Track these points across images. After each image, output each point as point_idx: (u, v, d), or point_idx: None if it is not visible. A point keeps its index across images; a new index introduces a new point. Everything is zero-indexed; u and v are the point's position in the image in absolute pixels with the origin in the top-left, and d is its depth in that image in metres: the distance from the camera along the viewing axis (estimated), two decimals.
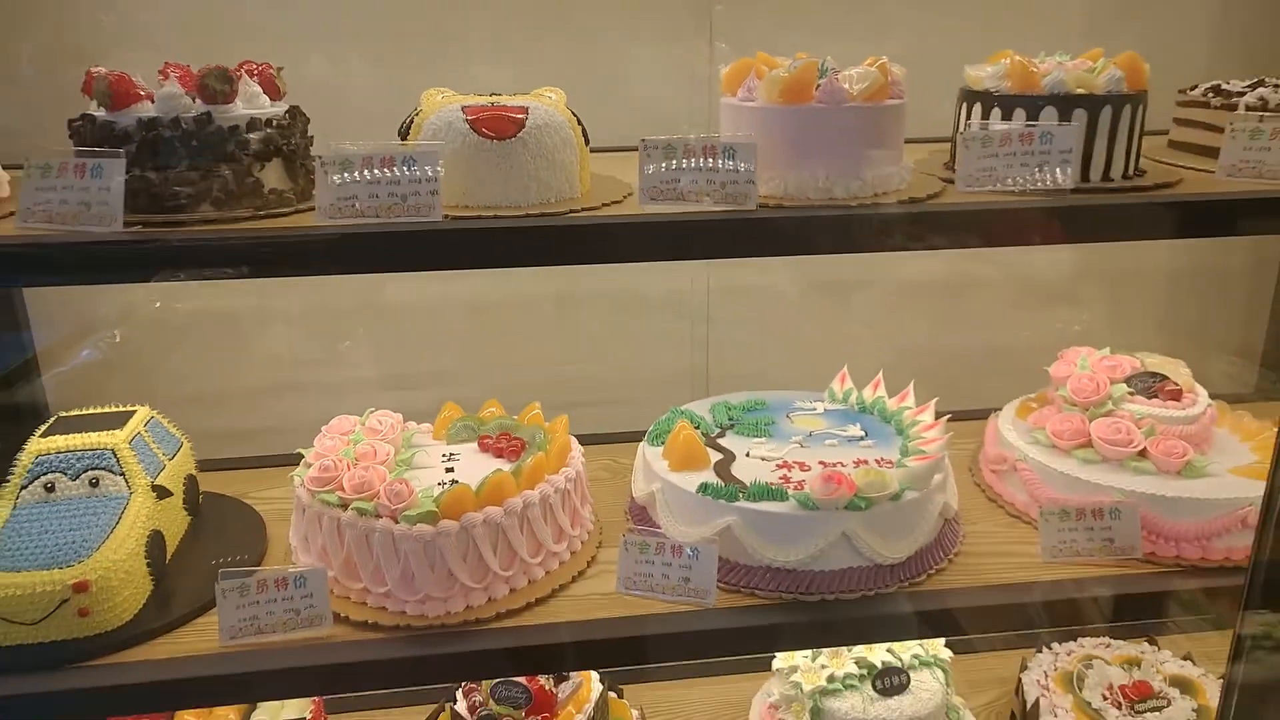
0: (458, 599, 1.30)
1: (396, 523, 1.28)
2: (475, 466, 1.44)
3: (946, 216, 1.17)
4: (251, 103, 1.19)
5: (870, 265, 2.00)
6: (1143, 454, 1.49)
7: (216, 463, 1.69)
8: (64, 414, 1.49)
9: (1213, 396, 1.62)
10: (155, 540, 1.36)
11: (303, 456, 1.43)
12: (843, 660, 1.63)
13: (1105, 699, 1.74)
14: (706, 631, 1.29)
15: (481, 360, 1.89)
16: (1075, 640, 1.93)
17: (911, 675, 1.62)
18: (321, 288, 1.87)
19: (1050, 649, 1.90)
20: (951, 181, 1.27)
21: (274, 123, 1.20)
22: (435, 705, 1.68)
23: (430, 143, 1.15)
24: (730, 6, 1.71)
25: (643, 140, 1.14)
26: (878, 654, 1.64)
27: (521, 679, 1.56)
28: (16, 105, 1.30)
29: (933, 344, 1.98)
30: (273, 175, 1.20)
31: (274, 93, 1.24)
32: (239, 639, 1.24)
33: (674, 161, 1.15)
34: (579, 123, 1.28)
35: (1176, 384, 1.59)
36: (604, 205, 1.20)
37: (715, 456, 1.48)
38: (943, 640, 1.71)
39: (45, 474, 1.37)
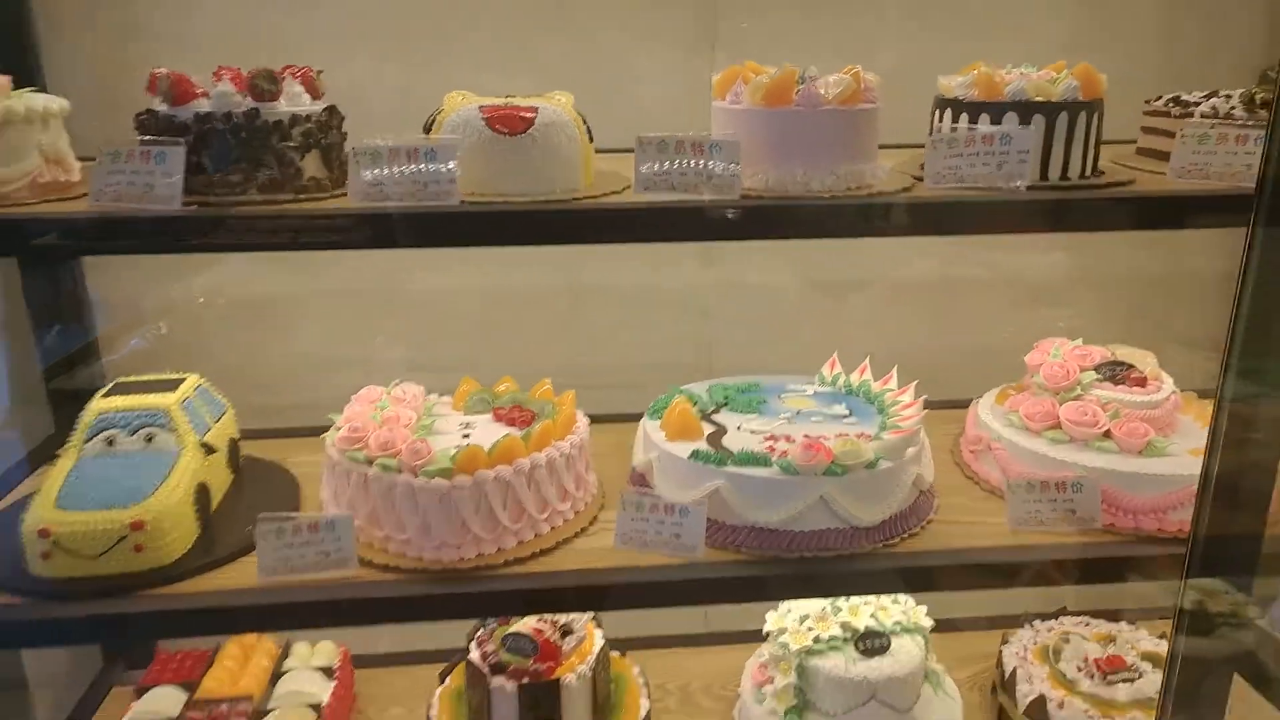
0: (470, 547, 1.44)
1: (416, 477, 1.43)
2: (489, 433, 1.58)
3: (910, 208, 1.30)
4: (294, 101, 1.35)
5: (866, 265, 2.13)
6: (1107, 435, 1.60)
7: (256, 432, 1.84)
8: (122, 379, 1.66)
9: (1189, 390, 1.73)
10: (201, 491, 1.53)
11: (334, 422, 1.59)
12: (829, 624, 1.75)
13: (1080, 670, 1.84)
14: (693, 581, 1.42)
15: (498, 346, 2.03)
16: (1056, 619, 2.04)
17: (892, 640, 1.74)
18: (353, 278, 2.03)
19: (1032, 626, 2.01)
20: (921, 179, 1.40)
21: (313, 119, 1.36)
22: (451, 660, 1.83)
23: (450, 137, 1.30)
24: (733, 23, 1.85)
25: (638, 137, 1.28)
26: (862, 619, 1.76)
27: (529, 631, 1.70)
28: (86, 106, 1.47)
29: (924, 339, 2.10)
30: (311, 165, 1.35)
31: (314, 93, 1.40)
32: (275, 576, 1.39)
33: (666, 156, 1.29)
34: (584, 122, 1.43)
35: (1142, 372, 1.70)
36: (604, 195, 1.35)
37: (708, 429, 1.62)
38: (925, 609, 1.83)
39: (106, 429, 1.53)
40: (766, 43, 1.84)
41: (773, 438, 1.57)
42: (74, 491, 1.43)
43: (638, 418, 1.74)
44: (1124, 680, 1.80)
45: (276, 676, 1.86)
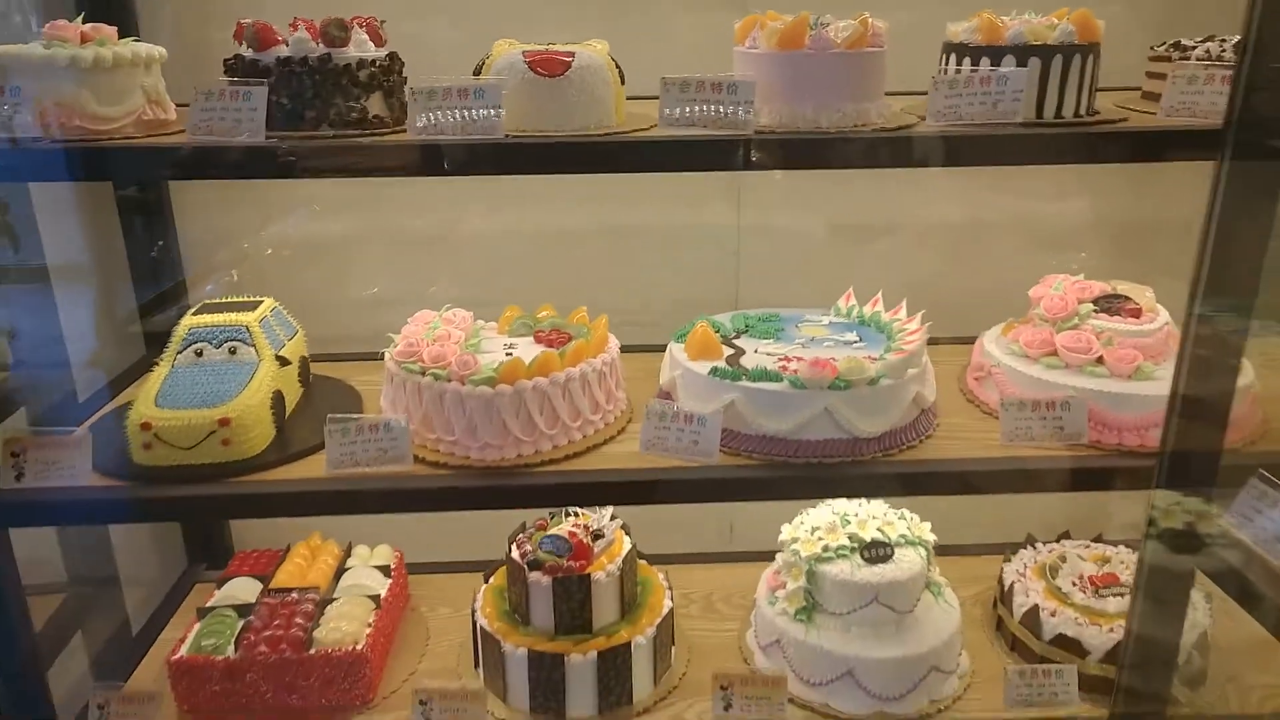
0: (510, 448, 1.63)
1: (464, 385, 1.61)
2: (530, 351, 1.75)
3: (909, 141, 1.44)
4: (361, 48, 1.53)
5: (888, 209, 2.25)
6: (1100, 361, 1.73)
7: (323, 356, 2.05)
8: (208, 301, 1.87)
9: None
10: (277, 397, 1.73)
11: (393, 341, 1.78)
12: (838, 535, 1.91)
13: (1074, 585, 1.98)
14: (707, 480, 1.59)
15: (540, 282, 2.18)
16: (1057, 542, 2.17)
17: (896, 550, 1.89)
18: (409, 220, 2.22)
19: (1033, 547, 2.15)
20: (924, 119, 1.53)
21: (377, 63, 1.53)
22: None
23: (496, 79, 1.46)
24: None
25: (663, 78, 1.43)
26: (869, 532, 1.91)
27: (564, 534, 1.88)
28: (173, 56, 1.66)
29: (941, 279, 2.20)
30: (375, 104, 1.53)
31: (377, 40, 1.57)
32: (340, 469, 1.59)
33: (688, 95, 1.44)
34: (617, 67, 1.58)
35: (1138, 304, 1.81)
36: (632, 130, 1.51)
37: (728, 351, 1.78)
38: (929, 525, 1.97)
39: (196, 343, 1.74)
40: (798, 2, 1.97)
41: (786, 359, 1.73)
42: (170, 393, 1.64)
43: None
44: (1115, 595, 1.93)
45: (339, 573, 2.08)
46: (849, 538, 1.90)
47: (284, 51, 1.47)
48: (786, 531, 1.97)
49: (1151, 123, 1.50)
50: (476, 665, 1.95)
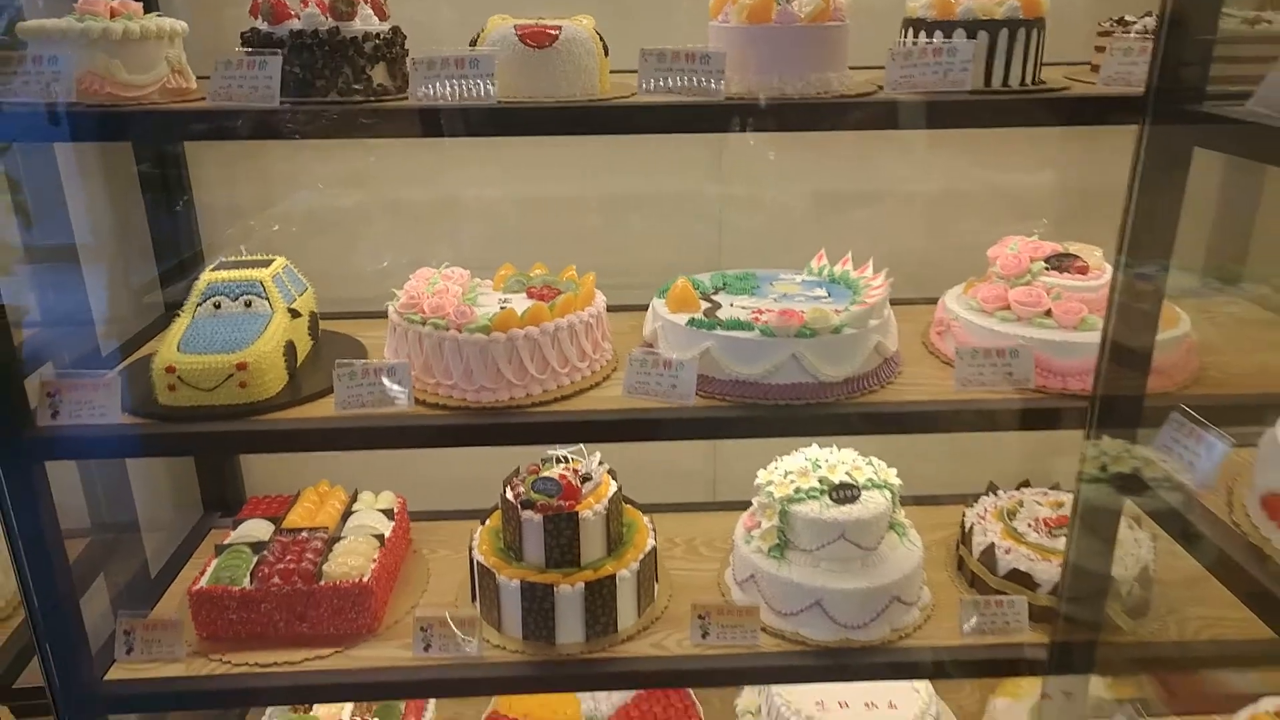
0: (504, 391, 1.78)
1: (461, 333, 1.76)
2: (522, 305, 1.90)
3: (865, 106, 1.58)
4: (366, 21, 1.66)
5: (864, 178, 2.39)
6: (1048, 314, 1.87)
7: (329, 314, 2.19)
8: (225, 259, 2.01)
9: None
10: (289, 347, 1.88)
11: (396, 296, 1.92)
12: (809, 478, 2.06)
13: (1029, 526, 2.13)
14: (684, 420, 1.74)
15: (533, 247, 2.33)
16: (1018, 489, 2.32)
17: (862, 492, 2.03)
18: (412, 189, 2.36)
19: (995, 494, 2.30)
20: (882, 88, 1.67)
21: (381, 36, 1.67)
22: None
23: (489, 49, 1.61)
24: None
25: (641, 49, 1.57)
26: (838, 475, 2.06)
27: (554, 476, 2.03)
28: (196, 32, 1.80)
29: (913, 244, 2.36)
30: (379, 73, 1.67)
31: (381, 15, 1.71)
32: (348, 409, 1.73)
33: (665, 64, 1.58)
34: (601, 40, 1.72)
35: (1085, 262, 1.95)
36: (614, 98, 1.65)
37: (705, 305, 1.92)
38: (895, 471, 2.12)
39: (214, 296, 1.89)
40: None
41: (758, 311, 1.87)
42: (191, 340, 1.79)
43: None
44: (1065, 534, 2.07)
45: (346, 515, 2.24)
46: (819, 480, 2.05)
47: (296, 25, 1.61)
48: (762, 476, 2.11)
49: (1087, 90, 1.64)
50: (473, 599, 2.10)
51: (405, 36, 1.75)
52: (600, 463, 2.10)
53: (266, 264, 1.97)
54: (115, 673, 1.91)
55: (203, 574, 2.03)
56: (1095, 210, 2.34)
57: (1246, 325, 2.02)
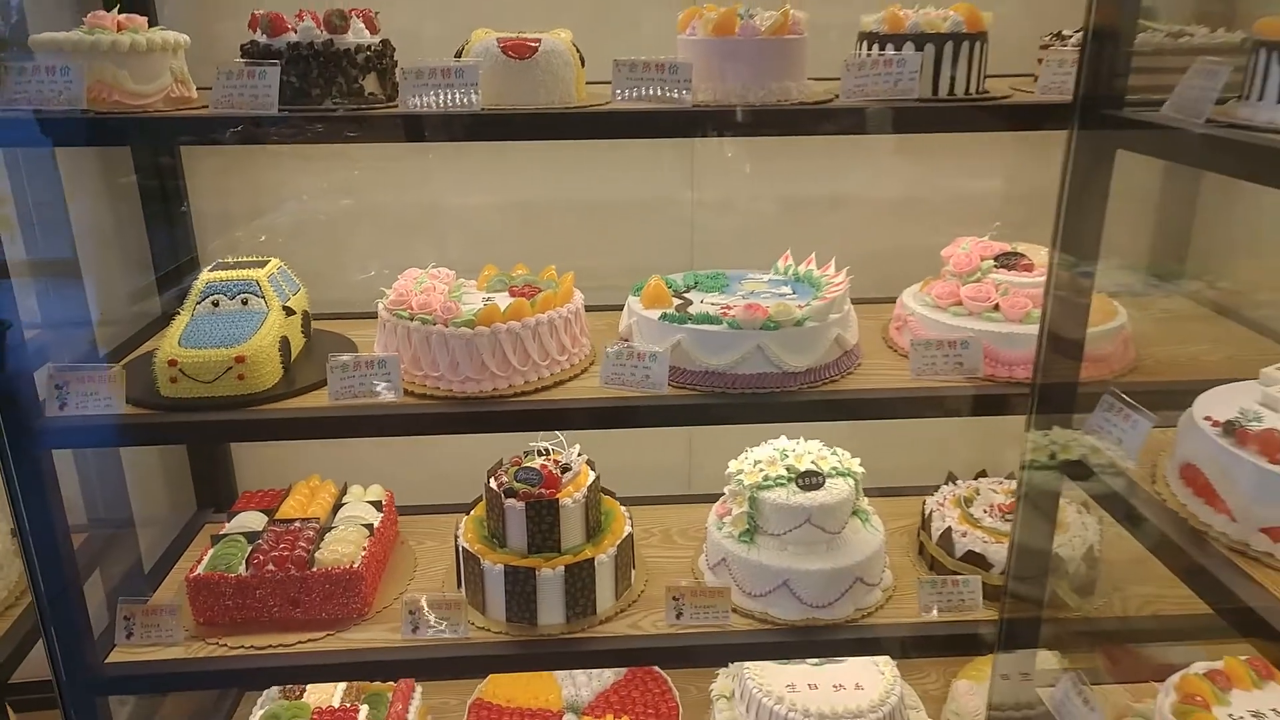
0: (488, 382, 1.89)
1: (447, 328, 1.87)
2: (505, 302, 2.01)
3: (821, 113, 1.71)
4: (358, 35, 1.78)
5: (830, 185, 2.52)
6: (996, 308, 2.00)
7: (320, 315, 2.30)
8: (222, 260, 2.12)
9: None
10: (284, 342, 1.98)
11: (385, 295, 2.03)
12: (777, 466, 2.17)
13: (985, 512, 2.25)
14: (658, 408, 1.86)
15: (516, 251, 2.43)
16: (975, 479, 2.44)
17: (827, 479, 2.15)
18: (398, 197, 2.48)
19: (954, 483, 2.42)
20: (838, 96, 1.80)
21: (372, 48, 1.79)
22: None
23: (474, 60, 1.73)
24: None
25: (615, 60, 1.70)
26: (804, 463, 2.18)
27: (535, 466, 2.14)
28: (200, 47, 1.91)
29: (875, 246, 2.48)
30: (370, 83, 1.79)
31: (372, 29, 1.83)
32: (341, 400, 1.84)
33: (636, 74, 1.71)
34: (578, 52, 1.84)
35: (1031, 261, 2.09)
36: (589, 105, 1.77)
37: (677, 302, 2.04)
38: (858, 460, 2.24)
39: (212, 294, 1.99)
40: None
41: (727, 307, 2.00)
42: (191, 336, 1.90)
43: None
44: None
45: (337, 507, 2.34)
46: (786, 469, 2.16)
47: (293, 38, 1.73)
48: (733, 465, 2.23)
49: (1023, 99, 1.78)
50: (459, 585, 2.20)
51: (394, 49, 1.87)
52: (579, 454, 2.21)
53: (262, 265, 2.08)
54: (116, 656, 2.00)
55: (200, 562, 2.13)
56: (1042, 212, 2.48)
57: (1181, 319, 2.16)
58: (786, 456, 2.20)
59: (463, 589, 2.17)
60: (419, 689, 2.58)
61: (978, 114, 1.75)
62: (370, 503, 2.34)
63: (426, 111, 1.67)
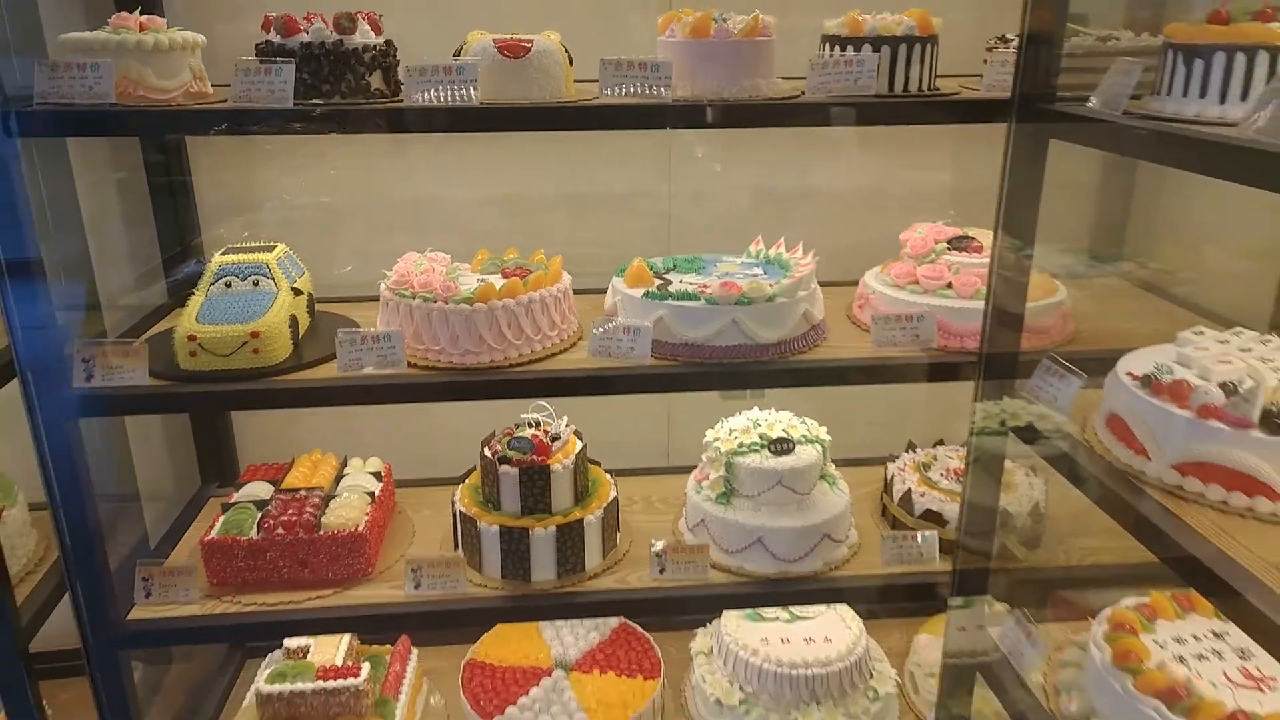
0: (485, 354, 2.05)
1: (448, 304, 2.03)
2: (499, 283, 2.18)
3: (787, 107, 1.89)
4: (365, 35, 1.94)
5: (799, 177, 2.71)
6: (949, 286, 2.20)
7: (323, 299, 2.45)
8: (232, 245, 2.26)
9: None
10: (293, 320, 2.13)
11: (387, 277, 2.19)
12: (750, 434, 2.36)
13: (942, 475, 2.45)
14: (641, 376, 2.03)
15: (506, 238, 2.60)
16: (934, 447, 2.64)
17: (797, 445, 2.34)
18: (396, 188, 2.63)
19: (913, 451, 2.62)
20: (804, 92, 1.98)
21: (377, 48, 1.95)
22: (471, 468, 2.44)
23: (472, 59, 1.89)
24: None
25: (601, 59, 1.87)
26: (775, 431, 2.36)
27: (527, 436, 2.30)
28: (217, 47, 2.05)
29: (841, 233, 2.68)
30: (376, 79, 1.95)
31: (377, 30, 1.98)
32: (349, 371, 2.00)
33: (621, 71, 1.88)
34: (567, 52, 2.01)
35: (981, 243, 2.29)
36: (578, 100, 1.94)
37: (658, 282, 2.22)
38: (825, 429, 2.43)
39: (225, 276, 2.14)
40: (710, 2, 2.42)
41: (704, 285, 2.17)
42: (208, 313, 2.04)
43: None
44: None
45: (339, 478, 2.49)
46: (759, 436, 2.35)
47: (305, 38, 1.88)
48: (710, 434, 2.41)
49: (969, 95, 1.98)
50: (456, 546, 2.36)
51: (397, 48, 2.02)
52: (567, 425, 2.38)
53: (270, 249, 2.22)
54: (136, 614, 2.14)
55: (212, 527, 2.27)
56: (991, 201, 2.69)
57: (1115, 296, 2.37)
58: (759, 425, 2.39)
59: (460, 550, 2.33)
60: (415, 652, 2.73)
61: (928, 108, 1.94)
62: (370, 473, 2.49)
63: (431, 106, 1.83)
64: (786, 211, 2.73)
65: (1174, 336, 1.80)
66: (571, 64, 2.03)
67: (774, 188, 2.72)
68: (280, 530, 2.21)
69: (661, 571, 2.25)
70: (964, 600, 2.24)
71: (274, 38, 1.90)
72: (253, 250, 2.21)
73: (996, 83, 1.98)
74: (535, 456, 2.26)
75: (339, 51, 1.88)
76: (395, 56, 2.01)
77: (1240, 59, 1.46)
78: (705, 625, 2.81)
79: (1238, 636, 1.85)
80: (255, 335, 1.99)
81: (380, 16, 2.02)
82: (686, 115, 1.89)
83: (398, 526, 2.50)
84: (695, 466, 2.51)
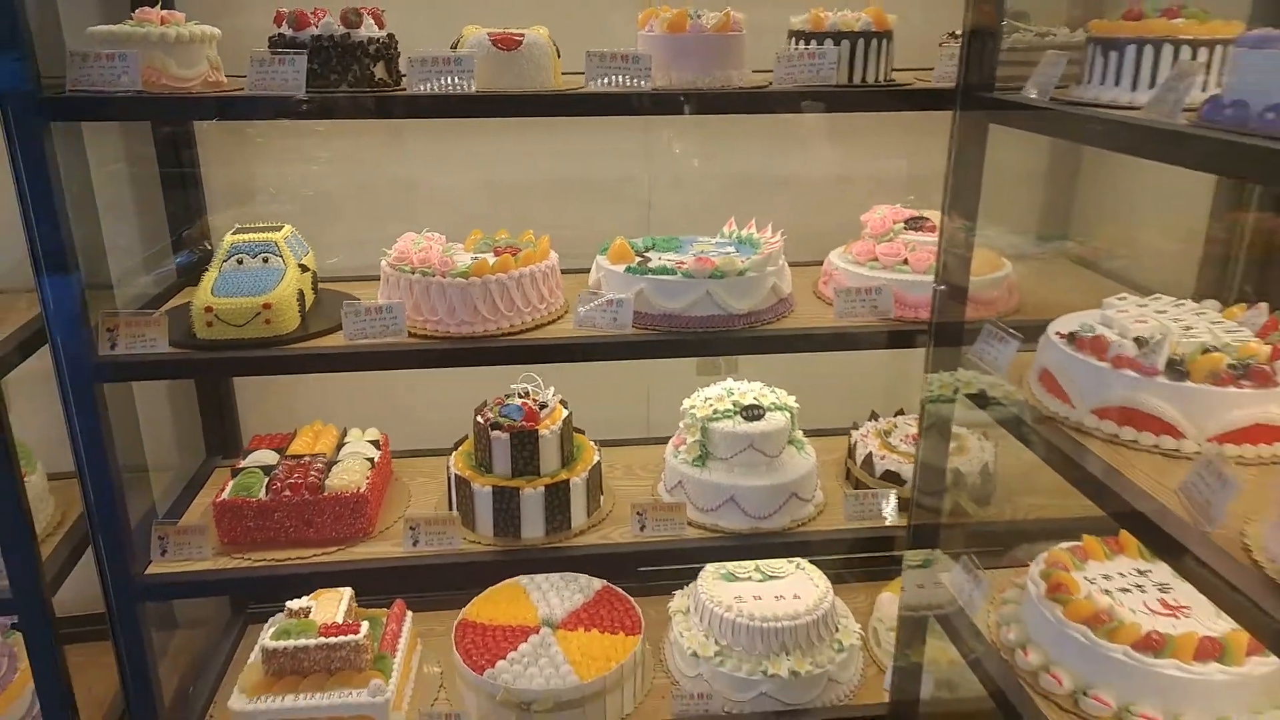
0: (479, 325, 2.22)
1: (445, 278, 2.20)
2: (492, 260, 2.35)
3: (756, 95, 2.08)
4: (369, 29, 2.11)
5: (771, 165, 2.91)
6: (905, 262, 2.39)
7: (324, 278, 2.61)
8: (241, 225, 2.42)
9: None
10: (301, 294, 2.30)
11: (387, 255, 2.36)
12: (724, 402, 2.54)
13: (901, 441, 2.65)
14: (623, 344, 2.21)
15: (496, 222, 2.78)
16: (895, 416, 2.84)
17: (767, 412, 2.53)
18: (394, 173, 2.80)
19: (875, 420, 2.82)
20: (771, 83, 2.18)
21: (381, 41, 2.12)
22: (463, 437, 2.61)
23: (468, 51, 2.07)
24: None
25: (587, 51, 2.05)
26: (747, 398, 2.55)
27: (517, 404, 2.48)
28: (230, 41, 2.22)
29: (809, 217, 2.87)
30: (380, 70, 2.12)
31: (380, 24, 2.15)
32: (354, 340, 2.16)
33: (605, 63, 2.06)
34: (555, 45, 2.19)
35: (935, 224, 2.49)
36: (565, 89, 2.13)
37: (638, 258, 2.40)
38: (794, 398, 2.62)
39: (237, 254, 2.30)
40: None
41: (681, 261, 2.36)
42: (222, 287, 2.20)
43: None
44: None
45: (339, 447, 2.65)
46: (732, 404, 2.54)
47: (315, 31, 2.05)
48: (686, 403, 2.59)
49: (920, 85, 2.18)
50: (450, 507, 2.53)
51: (398, 41, 2.20)
52: (554, 394, 2.56)
53: (279, 229, 2.39)
54: (153, 569, 2.29)
55: (223, 490, 2.43)
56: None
57: (1057, 271, 2.59)
58: (732, 394, 2.57)
59: (454, 510, 2.50)
60: (409, 614, 2.90)
61: (883, 97, 2.14)
62: (369, 442, 2.66)
63: (431, 93, 2.01)
64: (759, 197, 2.92)
65: (1101, 303, 2.01)
66: (559, 56, 2.21)
67: (747, 175, 2.91)
68: (287, 492, 2.37)
69: (642, 528, 2.43)
70: (922, 560, 2.44)
71: (286, 31, 2.07)
72: (262, 230, 2.37)
73: (945, 74, 2.18)
74: (525, 423, 2.43)
75: (346, 44, 2.06)
76: (397, 49, 2.18)
77: (1149, 51, 1.66)
78: (683, 588, 2.99)
79: (1160, 573, 2.05)
80: (267, 306, 2.16)
81: (383, 12, 2.19)
82: (664, 103, 2.07)
83: (395, 492, 2.66)
84: (670, 438, 2.69)
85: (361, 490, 2.40)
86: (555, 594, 2.97)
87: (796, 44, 2.24)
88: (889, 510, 2.49)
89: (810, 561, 2.87)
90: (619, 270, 2.31)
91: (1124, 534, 2.16)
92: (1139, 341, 1.72)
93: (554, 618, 2.87)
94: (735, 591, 2.77)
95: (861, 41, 2.17)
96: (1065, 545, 2.16)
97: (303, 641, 2.56)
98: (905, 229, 2.48)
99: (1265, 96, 1.24)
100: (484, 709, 2.58)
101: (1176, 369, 1.65)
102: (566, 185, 2.87)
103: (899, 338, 2.28)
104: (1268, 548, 1.30)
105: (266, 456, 2.57)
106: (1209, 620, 1.86)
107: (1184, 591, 1.98)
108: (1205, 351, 1.67)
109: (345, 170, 2.79)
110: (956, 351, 2.17)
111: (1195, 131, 1.33)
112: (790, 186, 2.93)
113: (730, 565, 2.83)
